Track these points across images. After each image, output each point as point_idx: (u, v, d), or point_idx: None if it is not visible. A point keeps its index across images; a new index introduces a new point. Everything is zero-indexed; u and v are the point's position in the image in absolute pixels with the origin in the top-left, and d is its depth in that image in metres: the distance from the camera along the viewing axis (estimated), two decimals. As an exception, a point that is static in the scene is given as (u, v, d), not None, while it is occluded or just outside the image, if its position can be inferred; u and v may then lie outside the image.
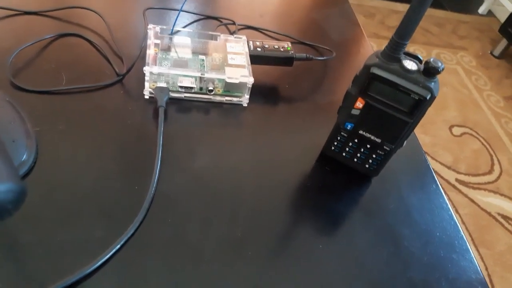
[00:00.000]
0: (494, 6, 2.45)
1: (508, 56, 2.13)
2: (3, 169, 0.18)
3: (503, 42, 2.06)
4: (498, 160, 1.58)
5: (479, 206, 1.40)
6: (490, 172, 1.52)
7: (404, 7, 2.27)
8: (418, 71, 0.36)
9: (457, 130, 1.66)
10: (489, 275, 1.21)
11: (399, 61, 0.36)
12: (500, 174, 1.53)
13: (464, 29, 2.29)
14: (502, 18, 2.26)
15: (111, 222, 0.36)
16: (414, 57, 0.37)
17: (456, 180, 1.46)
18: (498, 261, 1.25)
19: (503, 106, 1.84)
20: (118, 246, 0.34)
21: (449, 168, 1.50)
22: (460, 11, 2.40)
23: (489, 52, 2.15)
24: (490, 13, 2.48)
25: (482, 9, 2.45)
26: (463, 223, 1.33)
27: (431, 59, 0.35)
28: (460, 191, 1.43)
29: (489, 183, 1.48)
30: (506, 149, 1.63)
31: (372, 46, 0.66)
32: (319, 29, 0.66)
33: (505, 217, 1.38)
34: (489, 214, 1.38)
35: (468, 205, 1.40)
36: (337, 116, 0.42)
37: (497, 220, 1.37)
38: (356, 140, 0.42)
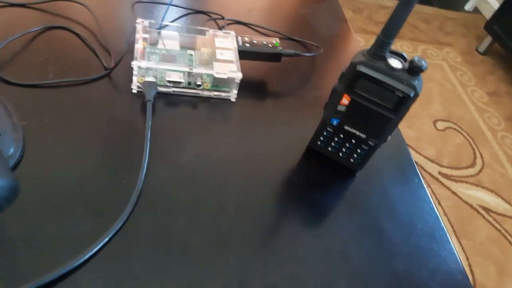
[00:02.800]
0: (480, 3, 2.49)
1: (493, 52, 2.17)
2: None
3: (488, 39, 2.10)
4: (481, 154, 1.62)
5: (461, 198, 1.44)
6: (472, 165, 1.56)
7: (392, 3, 2.29)
8: (402, 69, 0.37)
9: (441, 125, 1.69)
10: (469, 265, 1.25)
11: (385, 59, 0.37)
12: (482, 167, 1.56)
13: (451, 25, 2.32)
14: (488, 15, 2.30)
15: (98, 215, 0.36)
16: (399, 55, 0.38)
17: (439, 173, 1.50)
18: (479, 252, 1.29)
19: (486, 101, 1.88)
20: (106, 239, 0.34)
21: (432, 161, 1.53)
22: (447, 7, 2.44)
23: (474, 48, 2.19)
24: (476, 10, 2.52)
25: (468, 6, 2.49)
26: (445, 215, 1.37)
27: (415, 58, 0.36)
28: (442, 183, 1.47)
29: (471, 176, 1.52)
30: (489, 143, 1.68)
31: (359, 41, 0.67)
32: (307, 24, 0.67)
33: (486, 209, 1.42)
34: (471, 206, 1.42)
35: (450, 197, 1.43)
36: (323, 111, 0.43)
37: (478, 212, 1.41)
38: (341, 135, 0.43)
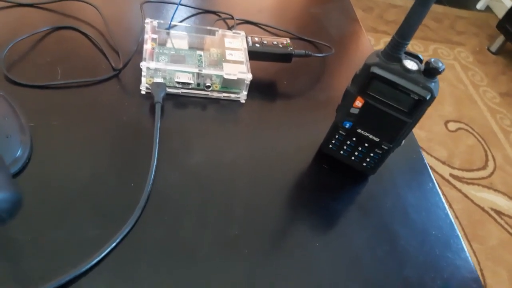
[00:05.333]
0: (492, 1, 2.45)
1: (505, 52, 2.13)
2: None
3: (501, 38, 2.06)
4: (493, 156, 1.59)
5: (472, 201, 1.41)
6: (484, 167, 1.54)
7: (403, 2, 2.26)
8: (418, 71, 0.36)
9: (452, 126, 1.66)
10: (481, 270, 1.23)
11: (400, 61, 0.36)
12: (494, 169, 1.54)
13: (462, 24, 2.29)
14: (500, 14, 2.26)
15: (106, 220, 0.35)
16: (414, 56, 0.37)
17: (451, 175, 1.47)
18: (490, 256, 1.27)
19: (498, 102, 1.85)
20: (114, 244, 0.34)
21: (443, 163, 1.51)
22: (458, 6, 2.40)
23: (486, 48, 2.15)
24: (488, 9, 2.48)
25: (480, 5, 2.45)
26: (457, 217, 1.34)
27: (432, 60, 0.35)
28: (454, 186, 1.44)
29: (483, 178, 1.50)
30: (501, 145, 1.65)
31: (369, 40, 0.66)
32: (318, 24, 0.66)
33: (498, 212, 1.40)
34: (482, 209, 1.40)
35: (461, 200, 1.41)
36: (335, 114, 0.42)
37: (490, 215, 1.38)
38: (354, 139, 0.42)
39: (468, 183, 1.46)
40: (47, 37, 0.49)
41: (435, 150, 1.54)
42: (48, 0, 0.53)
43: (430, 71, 0.35)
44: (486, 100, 1.84)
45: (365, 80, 0.37)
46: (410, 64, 0.36)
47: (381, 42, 1.91)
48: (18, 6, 0.52)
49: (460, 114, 1.73)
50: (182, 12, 0.59)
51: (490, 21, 2.35)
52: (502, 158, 1.59)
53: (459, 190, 1.43)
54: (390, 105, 0.38)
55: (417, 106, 0.36)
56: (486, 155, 1.58)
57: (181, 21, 0.57)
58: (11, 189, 0.18)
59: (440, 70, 0.35)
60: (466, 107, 1.77)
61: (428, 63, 0.35)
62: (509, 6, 2.04)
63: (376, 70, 0.36)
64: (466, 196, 1.42)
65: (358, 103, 0.39)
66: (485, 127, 1.70)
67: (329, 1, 0.72)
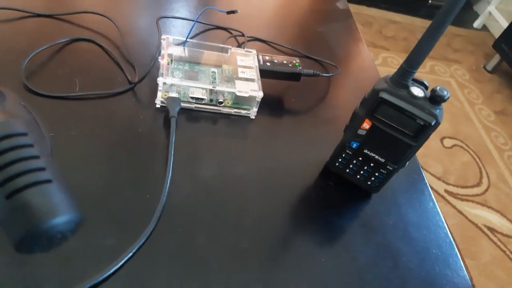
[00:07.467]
0: (489, 21, 2.50)
1: (501, 71, 2.18)
2: (64, 201, 0.19)
3: (496, 57, 2.11)
4: (487, 173, 1.61)
5: (466, 217, 1.43)
6: (478, 184, 1.56)
7: (401, 18, 2.30)
8: (424, 98, 0.38)
9: (448, 142, 1.69)
10: (473, 286, 1.24)
11: (407, 88, 0.38)
12: (488, 187, 1.56)
13: (459, 42, 2.33)
14: (496, 33, 2.31)
15: (122, 230, 0.37)
16: (420, 83, 0.39)
17: (445, 191, 1.50)
18: (483, 272, 1.29)
19: (493, 120, 1.89)
20: (130, 254, 0.35)
21: (438, 179, 1.53)
22: (455, 24, 2.45)
23: (482, 66, 2.19)
24: (484, 28, 2.53)
25: (477, 24, 2.50)
26: (451, 233, 1.36)
27: (438, 88, 0.37)
28: (448, 202, 1.47)
29: (477, 195, 1.52)
30: (495, 162, 1.68)
31: (371, 57, 0.68)
32: (324, 43, 0.68)
33: (491, 229, 1.42)
34: (476, 225, 1.42)
35: (455, 216, 1.43)
36: (343, 134, 0.44)
37: (483, 232, 1.41)
38: (360, 158, 0.44)
39: (462, 200, 1.48)
40: (65, 48, 0.51)
41: (431, 166, 1.56)
42: (66, 12, 0.55)
43: (436, 99, 0.37)
44: (481, 118, 1.88)
45: (374, 104, 0.39)
46: (417, 91, 0.38)
47: (379, 57, 1.95)
48: (37, 16, 0.53)
49: (456, 131, 1.76)
50: (194, 27, 0.61)
51: (486, 40, 2.40)
52: (496, 176, 1.62)
53: (454, 206, 1.45)
54: (397, 129, 0.39)
55: (422, 131, 0.38)
56: (481, 172, 1.61)
57: (193, 37, 0.59)
58: (76, 210, 0.19)
59: (445, 98, 0.37)
60: (461, 124, 1.81)
61: (434, 91, 0.37)
62: (505, 26, 2.09)
63: (384, 95, 0.38)
64: (460, 212, 1.44)
65: (366, 125, 0.41)
66: (480, 144, 1.73)
67: (334, 20, 0.74)
